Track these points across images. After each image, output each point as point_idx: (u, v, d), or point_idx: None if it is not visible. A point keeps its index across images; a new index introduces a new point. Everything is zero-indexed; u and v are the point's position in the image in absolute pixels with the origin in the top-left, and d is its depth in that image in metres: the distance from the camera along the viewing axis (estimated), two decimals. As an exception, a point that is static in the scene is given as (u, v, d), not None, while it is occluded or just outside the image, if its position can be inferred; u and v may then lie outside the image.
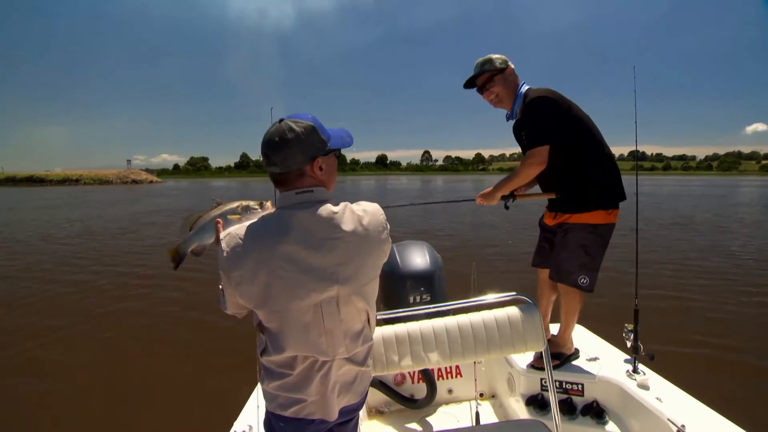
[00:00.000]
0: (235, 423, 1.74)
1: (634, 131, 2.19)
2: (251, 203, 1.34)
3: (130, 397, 3.43)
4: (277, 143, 1.03)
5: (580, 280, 2.00)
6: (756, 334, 4.62)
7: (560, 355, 2.16)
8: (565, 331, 2.16)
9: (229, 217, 1.30)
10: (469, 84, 2.16)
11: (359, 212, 1.07)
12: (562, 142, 1.95)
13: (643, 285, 2.18)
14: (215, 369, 3.85)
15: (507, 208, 2.28)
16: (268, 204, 1.35)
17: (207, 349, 4.32)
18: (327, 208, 1.05)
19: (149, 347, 4.47)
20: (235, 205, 1.33)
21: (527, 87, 2.06)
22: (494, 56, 2.08)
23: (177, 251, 1.38)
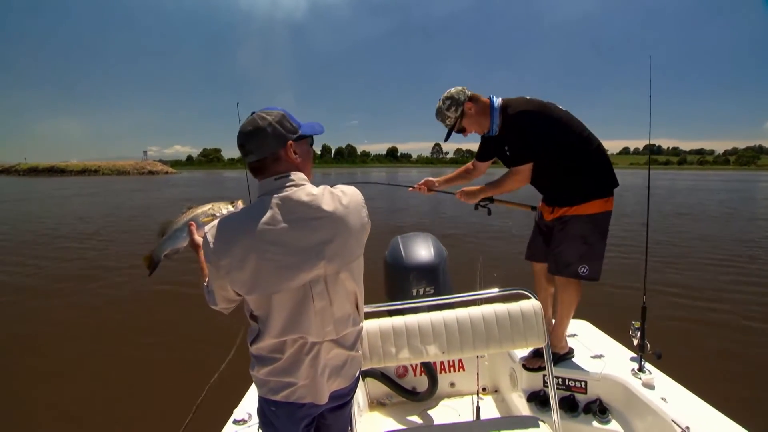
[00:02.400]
0: (235, 411, 1.75)
1: (646, 124, 2.12)
2: (222, 204, 1.40)
3: (126, 385, 3.47)
4: (250, 131, 1.08)
5: (581, 270, 1.96)
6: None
7: (553, 355, 2.06)
8: (559, 327, 2.10)
9: (202, 219, 1.35)
10: (449, 136, 2.11)
11: (338, 193, 1.11)
12: (547, 151, 1.93)
13: (652, 282, 2.12)
14: (215, 357, 3.89)
15: (476, 208, 2.29)
16: (239, 203, 1.41)
17: (206, 337, 4.36)
18: (306, 190, 1.08)
19: (145, 334, 4.53)
20: (206, 207, 1.38)
21: (500, 99, 1.98)
22: (445, 104, 2.00)
23: (151, 257, 1.41)
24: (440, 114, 2.04)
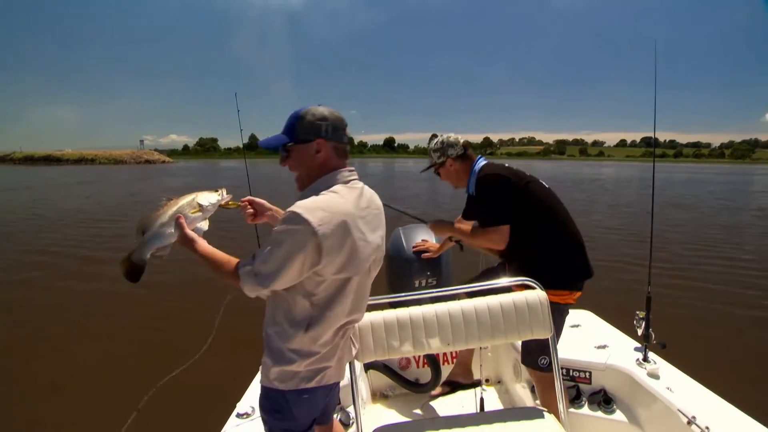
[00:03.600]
0: (238, 405, 1.74)
1: (647, 117, 2.16)
2: (206, 193, 1.30)
3: (128, 378, 3.46)
4: (344, 120, 1.20)
5: (541, 361, 1.79)
6: None
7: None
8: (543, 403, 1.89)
9: (189, 212, 1.25)
10: (426, 170, 2.14)
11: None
12: (520, 222, 1.80)
13: (657, 271, 2.11)
14: (216, 351, 3.88)
15: (452, 240, 2.24)
16: (224, 191, 1.33)
17: (208, 330, 4.33)
18: (367, 187, 1.24)
19: (147, 323, 4.54)
20: (190, 198, 1.28)
21: (483, 163, 1.96)
22: (436, 147, 2.01)
23: (131, 261, 1.23)
24: (429, 150, 2.10)
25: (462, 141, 2.00)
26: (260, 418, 1.58)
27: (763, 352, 3.95)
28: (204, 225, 1.30)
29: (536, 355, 1.79)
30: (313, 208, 1.04)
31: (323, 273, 1.08)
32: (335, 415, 1.77)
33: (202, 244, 1.22)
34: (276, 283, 1.07)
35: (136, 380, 3.39)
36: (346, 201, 1.11)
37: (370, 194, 1.23)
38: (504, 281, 1.70)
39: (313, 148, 1.15)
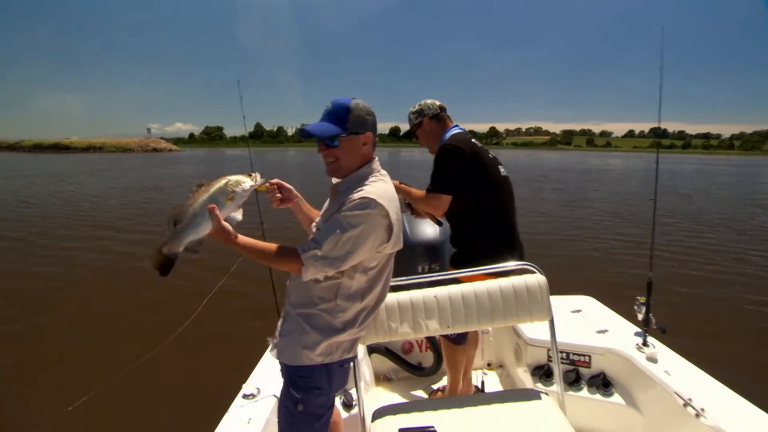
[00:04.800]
0: (244, 386, 1.76)
1: (654, 107, 2.08)
2: (240, 178, 1.21)
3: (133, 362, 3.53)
4: None
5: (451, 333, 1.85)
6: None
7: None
8: (451, 382, 2.10)
9: (224, 200, 1.16)
10: (408, 135, 2.20)
11: None
12: (464, 197, 1.86)
13: (658, 258, 2.12)
14: (222, 334, 3.96)
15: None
16: (258, 176, 1.25)
17: (217, 317, 4.41)
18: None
19: (155, 307, 4.59)
20: (222, 182, 1.18)
21: (454, 132, 2.00)
22: (414, 109, 2.09)
23: (161, 253, 1.15)
24: (409, 114, 2.13)
25: (438, 103, 2.08)
26: (266, 399, 1.63)
27: (760, 337, 4.00)
28: (238, 215, 1.21)
29: None
30: (381, 194, 1.18)
31: (383, 250, 1.22)
32: (338, 398, 1.81)
33: (239, 235, 1.17)
34: (348, 264, 1.17)
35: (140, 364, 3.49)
36: (391, 187, 1.28)
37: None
38: (504, 266, 1.72)
39: (361, 140, 1.24)
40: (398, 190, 2.00)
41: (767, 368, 3.38)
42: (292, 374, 1.27)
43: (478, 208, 1.89)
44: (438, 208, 1.91)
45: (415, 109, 2.10)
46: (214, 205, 1.13)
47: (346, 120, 1.21)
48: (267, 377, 1.78)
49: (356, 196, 1.15)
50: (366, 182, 1.23)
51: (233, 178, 1.21)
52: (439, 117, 2.06)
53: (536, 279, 1.61)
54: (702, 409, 1.50)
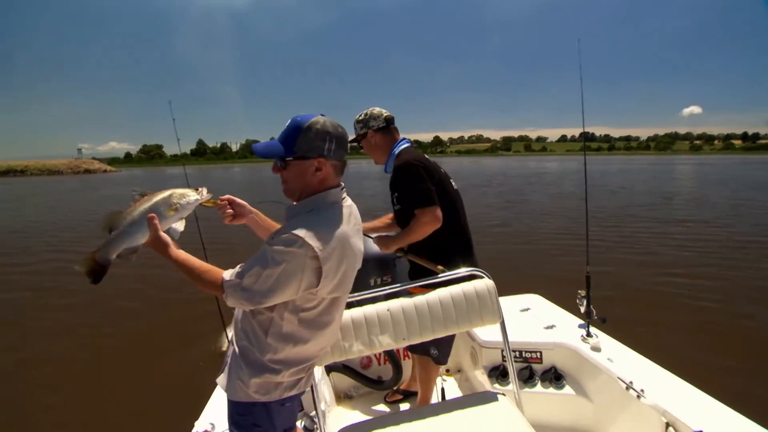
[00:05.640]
0: (197, 423, 1.65)
1: (581, 105, 2.26)
2: (186, 191, 1.19)
3: (90, 397, 3.23)
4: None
5: (431, 351, 1.98)
6: (694, 292, 5.17)
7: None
8: (423, 395, 2.12)
9: (166, 212, 1.13)
10: (352, 143, 2.12)
11: None
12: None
13: (595, 253, 2.28)
14: (173, 369, 3.69)
15: (398, 257, 2.14)
16: (204, 191, 1.23)
17: (164, 347, 4.12)
18: (351, 201, 1.23)
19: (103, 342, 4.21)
20: (167, 194, 1.16)
21: (403, 147, 2.01)
22: (360, 118, 2.05)
23: (95, 260, 1.12)
24: (355, 122, 2.09)
25: (385, 115, 2.02)
26: None
27: (691, 318, 4.44)
28: (179, 226, 1.20)
29: (428, 345, 1.91)
30: (315, 233, 1.02)
31: (318, 293, 1.07)
32: (299, 422, 1.74)
33: (175, 249, 1.13)
34: (267, 301, 1.04)
35: (85, 408, 3.16)
36: (343, 222, 1.11)
37: (355, 209, 1.22)
38: (453, 273, 1.75)
39: (313, 165, 1.10)
40: (391, 245, 1.96)
41: (695, 346, 3.76)
42: (231, 410, 1.20)
43: (447, 220, 1.87)
44: (434, 221, 1.81)
45: (360, 118, 2.04)
46: (154, 215, 1.11)
47: (294, 141, 1.08)
48: (223, 411, 1.67)
49: (287, 230, 1.03)
50: (309, 214, 1.10)
51: (179, 191, 1.18)
52: (386, 130, 2.02)
53: (485, 284, 1.65)
54: (642, 390, 1.61)
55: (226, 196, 1.33)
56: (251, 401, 1.15)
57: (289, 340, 1.12)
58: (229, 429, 1.23)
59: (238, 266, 1.08)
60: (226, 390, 1.20)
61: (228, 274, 1.08)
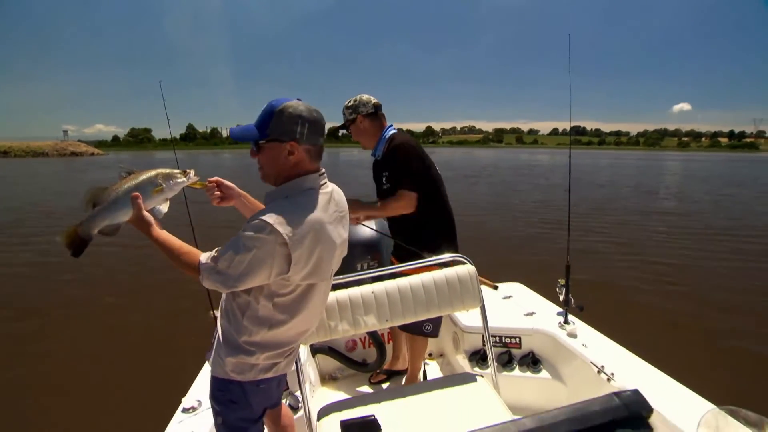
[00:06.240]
0: (184, 399, 1.69)
1: (576, 107, 2.31)
2: (174, 171, 1.19)
3: (67, 383, 3.25)
4: (323, 118, 1.15)
5: (425, 327, 2.09)
6: (668, 281, 5.43)
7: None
8: (413, 371, 2.24)
9: (151, 191, 1.15)
10: (340, 129, 2.21)
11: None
12: (420, 191, 1.98)
13: (577, 242, 2.36)
14: (161, 348, 3.73)
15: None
16: (192, 173, 1.23)
17: (151, 328, 4.14)
18: (336, 188, 1.23)
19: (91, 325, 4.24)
20: (152, 173, 1.17)
21: (393, 131, 2.09)
22: (349, 104, 2.09)
23: (76, 233, 1.14)
24: (344, 109, 2.13)
25: (374, 101, 2.08)
26: (207, 411, 1.56)
27: (658, 304, 4.69)
28: (164, 207, 1.21)
29: (421, 323, 2.01)
30: (285, 219, 1.02)
31: (290, 279, 1.08)
32: (284, 400, 1.79)
33: (157, 229, 1.15)
34: (239, 285, 1.06)
35: (77, 382, 3.19)
36: (318, 208, 1.09)
37: (339, 196, 1.22)
38: (436, 258, 1.80)
39: (285, 149, 1.09)
40: (360, 214, 2.02)
41: (665, 333, 3.95)
42: (212, 385, 1.25)
43: (432, 201, 2.01)
44: (408, 206, 1.95)
45: (349, 104, 2.09)
46: (138, 194, 1.12)
47: (267, 124, 1.09)
48: (207, 388, 1.71)
49: (258, 216, 1.03)
50: (284, 200, 1.10)
51: (165, 171, 1.19)
52: (375, 116, 2.08)
53: (467, 269, 1.71)
54: (612, 374, 1.70)
55: (215, 178, 1.35)
56: (228, 378, 1.19)
57: (264, 324, 1.14)
58: (210, 402, 1.28)
59: (215, 250, 1.10)
60: (210, 365, 1.25)
61: (204, 257, 1.10)
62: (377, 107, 2.09)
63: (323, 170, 1.19)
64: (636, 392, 0.71)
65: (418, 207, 1.98)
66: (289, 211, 1.04)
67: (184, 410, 1.62)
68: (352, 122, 2.09)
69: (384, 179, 2.06)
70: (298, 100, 1.13)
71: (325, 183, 1.19)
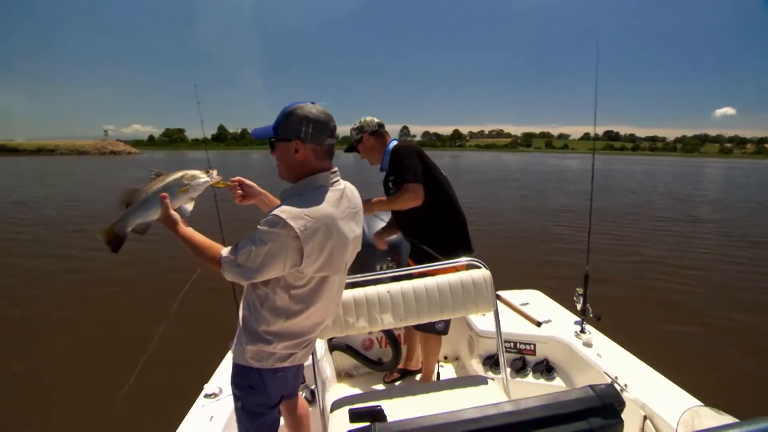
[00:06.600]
0: (206, 386, 1.79)
1: (610, 112, 2.37)
2: (197, 172, 1.28)
3: (94, 367, 3.45)
4: (333, 119, 1.23)
5: (437, 324, 2.15)
6: (693, 294, 5.22)
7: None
8: (427, 369, 2.29)
9: (177, 192, 1.23)
10: (350, 150, 2.35)
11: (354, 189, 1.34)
12: (427, 187, 2.06)
13: (599, 252, 2.34)
14: (183, 336, 3.91)
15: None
16: (215, 173, 1.32)
17: (170, 319, 4.34)
18: (349, 185, 1.31)
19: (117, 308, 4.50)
20: (179, 175, 1.26)
21: (395, 143, 2.22)
22: (355, 126, 2.26)
23: (113, 231, 1.25)
24: (351, 130, 2.31)
25: (377, 121, 2.25)
26: (228, 397, 1.66)
27: (680, 318, 4.51)
28: (189, 206, 1.29)
29: (433, 321, 2.06)
30: (297, 213, 1.09)
31: (304, 271, 1.15)
32: (300, 393, 1.87)
33: (183, 226, 1.24)
34: (257, 277, 1.14)
35: (102, 366, 3.39)
36: (328, 204, 1.16)
37: (351, 193, 1.30)
38: (453, 261, 1.84)
39: (291, 147, 1.19)
40: (372, 207, 2.13)
41: (684, 346, 3.84)
42: (233, 371, 1.33)
43: (439, 200, 2.11)
44: (419, 197, 2.03)
45: (355, 126, 2.26)
46: (165, 194, 1.21)
47: (279, 124, 1.20)
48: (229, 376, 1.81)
49: (272, 211, 1.11)
50: (297, 197, 1.17)
51: (190, 172, 1.28)
52: (378, 133, 2.22)
53: (482, 273, 1.74)
54: (625, 385, 1.69)
55: (237, 178, 1.43)
56: (248, 365, 1.27)
57: (281, 314, 1.21)
58: (231, 387, 1.36)
59: (236, 244, 1.18)
60: (232, 353, 1.34)
61: (225, 251, 1.17)
62: (380, 126, 2.24)
63: (335, 169, 1.26)
64: (610, 386, 0.76)
65: (427, 206, 2.06)
66: (301, 206, 1.11)
67: (206, 396, 1.71)
68: (359, 141, 2.24)
69: (390, 184, 2.17)
70: (312, 103, 1.22)
71: (338, 181, 1.25)
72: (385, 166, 2.20)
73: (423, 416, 0.70)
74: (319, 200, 1.16)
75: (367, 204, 2.17)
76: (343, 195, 1.24)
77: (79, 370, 3.42)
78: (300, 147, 1.19)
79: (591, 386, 0.75)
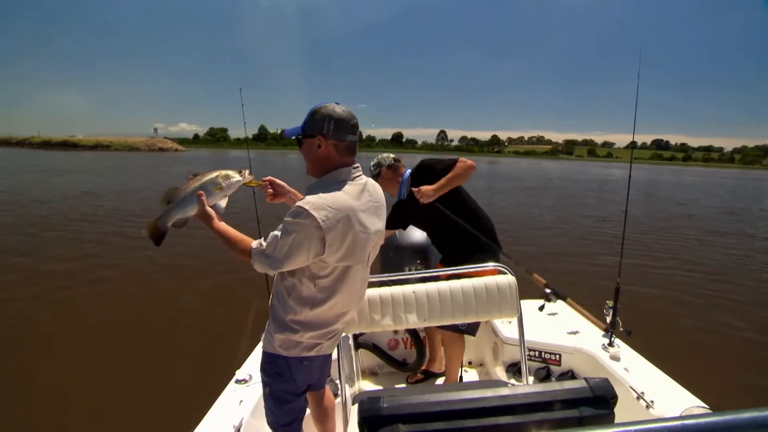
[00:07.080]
0: (237, 372, 1.90)
1: (658, 119, 2.36)
2: (230, 172, 1.40)
3: (136, 351, 3.69)
4: (354, 117, 1.31)
5: (460, 324, 2.14)
6: (728, 312, 4.95)
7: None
8: (450, 372, 2.28)
9: (212, 190, 1.36)
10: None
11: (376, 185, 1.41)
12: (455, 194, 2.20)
13: (633, 265, 2.27)
14: (216, 326, 4.15)
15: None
16: (246, 172, 1.43)
17: (208, 310, 4.60)
18: (371, 180, 1.38)
19: (151, 303, 4.76)
20: (214, 175, 1.37)
21: (410, 171, 2.38)
22: (373, 163, 2.42)
23: (156, 226, 1.37)
24: (369, 167, 2.41)
25: (393, 156, 2.44)
26: (258, 384, 1.77)
27: (717, 336, 4.30)
28: (223, 203, 1.40)
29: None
30: (320, 204, 1.16)
31: (327, 260, 1.22)
32: (327, 386, 1.96)
33: (218, 221, 1.34)
34: (284, 266, 1.22)
35: (137, 351, 3.65)
36: (349, 196, 1.23)
37: (373, 188, 1.36)
38: (478, 266, 1.87)
39: (315, 143, 1.27)
40: (438, 191, 2.19)
41: (717, 365, 3.66)
42: (263, 358, 1.42)
43: (475, 206, 2.28)
44: (472, 163, 2.20)
45: (374, 163, 2.42)
46: (202, 192, 1.33)
47: (306, 122, 1.28)
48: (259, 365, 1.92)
49: (297, 203, 1.18)
50: (321, 189, 1.24)
51: (224, 172, 1.40)
52: (394, 166, 2.38)
53: (507, 279, 1.76)
54: (652, 401, 1.65)
55: (268, 178, 1.53)
56: (276, 353, 1.36)
57: (307, 303, 1.29)
58: (260, 373, 1.46)
59: (265, 237, 1.26)
60: (262, 341, 1.43)
61: (255, 243, 1.26)
62: (396, 159, 2.41)
63: (357, 165, 1.33)
64: (605, 380, 0.78)
65: (471, 210, 2.23)
66: (323, 198, 1.19)
67: (237, 381, 1.82)
68: (378, 176, 2.36)
69: (438, 176, 2.22)
70: (336, 103, 1.30)
71: (359, 176, 1.32)
72: (404, 192, 2.32)
73: (425, 393, 0.74)
74: (341, 192, 1.23)
75: (428, 192, 2.19)
76: (364, 189, 1.31)
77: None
78: (322, 142, 1.26)
79: (586, 379, 0.78)
